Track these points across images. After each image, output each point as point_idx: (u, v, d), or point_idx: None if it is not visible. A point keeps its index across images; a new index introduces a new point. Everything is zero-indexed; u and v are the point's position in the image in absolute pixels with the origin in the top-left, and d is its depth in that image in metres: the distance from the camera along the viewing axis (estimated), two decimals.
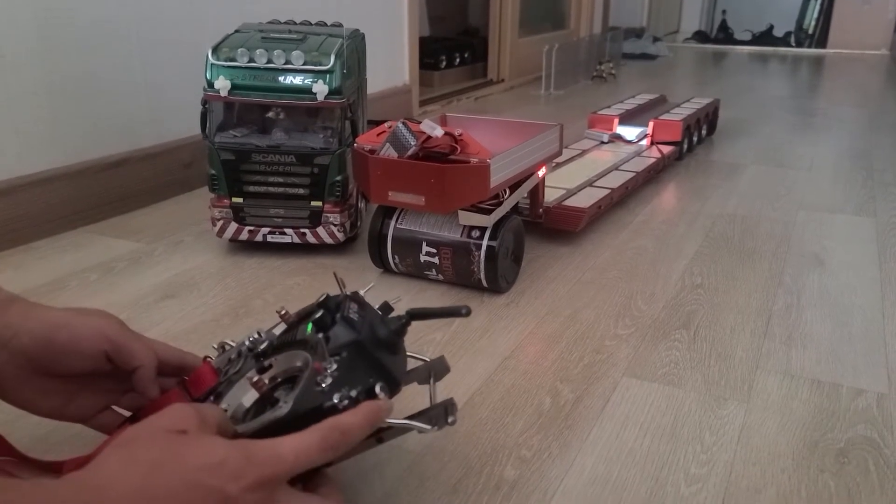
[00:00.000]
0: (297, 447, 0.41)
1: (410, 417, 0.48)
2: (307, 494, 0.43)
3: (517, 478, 0.58)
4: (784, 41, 4.29)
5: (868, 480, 0.58)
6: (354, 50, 1.02)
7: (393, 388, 0.48)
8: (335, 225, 0.99)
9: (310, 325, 0.50)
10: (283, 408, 0.44)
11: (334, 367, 0.46)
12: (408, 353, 0.54)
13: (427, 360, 0.56)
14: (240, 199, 0.98)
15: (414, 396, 0.58)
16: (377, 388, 0.46)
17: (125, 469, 0.37)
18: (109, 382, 0.54)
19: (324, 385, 0.45)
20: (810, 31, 4.28)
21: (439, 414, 0.49)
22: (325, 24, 1.09)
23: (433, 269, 0.91)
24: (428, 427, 0.48)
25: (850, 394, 0.70)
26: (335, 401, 0.44)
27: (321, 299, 0.52)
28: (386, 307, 0.53)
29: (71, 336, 0.50)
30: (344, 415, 0.44)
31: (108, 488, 0.36)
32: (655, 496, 0.56)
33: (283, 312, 0.53)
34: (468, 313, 0.51)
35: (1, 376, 0.50)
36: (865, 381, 0.73)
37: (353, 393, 0.45)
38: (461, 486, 0.57)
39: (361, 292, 0.54)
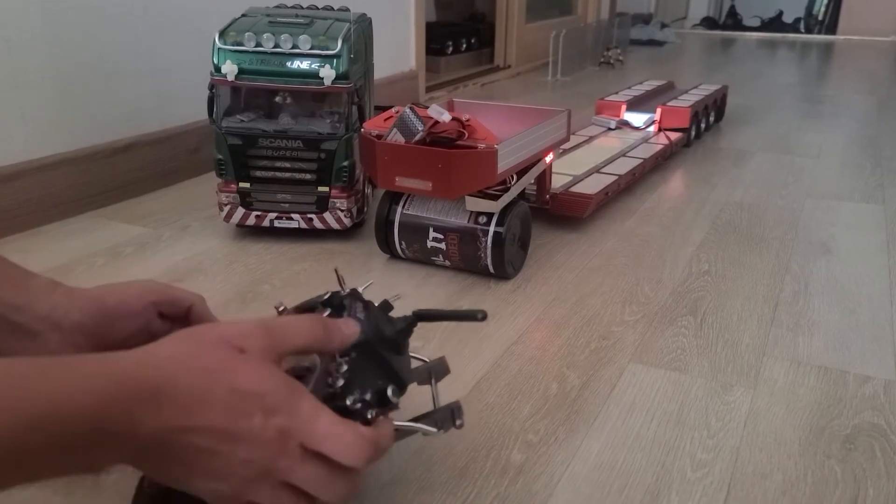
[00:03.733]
0: (331, 429, 0.41)
1: (416, 419, 0.48)
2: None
3: (524, 462, 0.58)
4: (793, 27, 4.25)
5: (874, 466, 0.58)
6: (361, 34, 1.02)
7: (401, 390, 0.48)
8: (342, 210, 0.99)
9: None
10: None
11: (345, 368, 0.45)
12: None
13: (427, 360, 0.55)
14: (247, 184, 0.98)
15: (414, 395, 0.58)
16: (389, 391, 0.46)
17: (176, 362, 0.38)
18: None
19: (335, 387, 0.45)
20: (820, 18, 4.25)
21: (445, 417, 0.48)
22: (332, 9, 1.09)
23: (440, 255, 0.91)
24: (434, 430, 0.47)
25: (857, 380, 0.70)
26: (348, 403, 0.44)
27: (326, 297, 0.51)
28: (386, 305, 0.52)
29: (119, 298, 0.52)
30: (379, 432, 0.43)
31: (154, 368, 0.37)
32: (661, 481, 0.56)
33: (280, 308, 0.52)
34: (484, 318, 0.49)
35: None
36: (872, 367, 0.73)
37: (367, 396, 0.45)
38: (468, 469, 0.57)
39: (360, 289, 0.53)
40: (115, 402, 0.35)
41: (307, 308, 0.52)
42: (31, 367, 0.34)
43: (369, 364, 0.47)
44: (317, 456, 0.41)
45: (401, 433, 0.48)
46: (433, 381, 0.54)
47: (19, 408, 0.32)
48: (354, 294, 0.51)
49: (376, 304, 0.51)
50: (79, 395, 0.34)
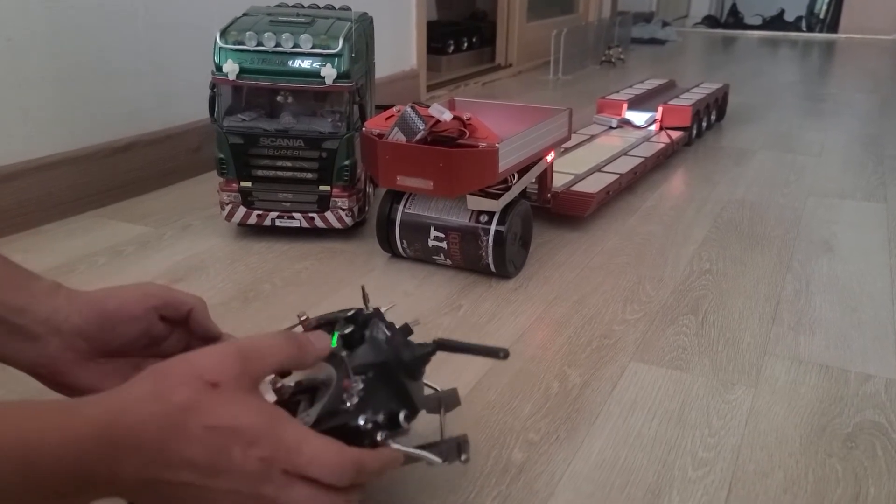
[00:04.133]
0: (317, 454, 0.41)
1: (421, 447, 0.48)
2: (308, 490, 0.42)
3: (525, 461, 0.58)
4: (795, 26, 4.24)
5: (875, 465, 0.58)
6: (363, 34, 1.02)
7: (413, 416, 0.48)
8: (343, 209, 0.99)
9: (335, 337, 0.49)
10: (306, 420, 0.44)
11: (361, 386, 0.45)
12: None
13: (438, 389, 0.55)
14: (248, 184, 0.98)
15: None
16: (401, 417, 0.46)
17: (148, 403, 0.38)
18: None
19: (349, 404, 0.44)
20: (822, 16, 4.24)
21: (452, 449, 0.48)
22: (334, 8, 1.09)
23: (441, 254, 0.91)
24: (439, 460, 0.47)
25: (858, 379, 0.70)
26: (360, 422, 0.44)
27: (350, 314, 0.51)
28: (406, 329, 0.52)
29: (119, 302, 0.51)
30: (369, 455, 0.43)
31: (129, 412, 0.37)
32: (663, 480, 0.56)
33: (303, 318, 0.52)
34: (506, 356, 0.49)
35: (58, 365, 0.50)
36: (874, 366, 0.73)
37: (380, 418, 0.45)
38: (469, 468, 0.57)
39: (383, 309, 0.52)
40: (94, 450, 0.36)
41: (330, 321, 0.52)
42: (10, 414, 0.35)
43: (384, 386, 0.47)
44: (304, 479, 0.41)
45: (405, 459, 0.47)
46: (442, 410, 0.54)
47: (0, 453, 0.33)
48: (378, 314, 0.51)
49: (397, 326, 0.51)
50: (57, 445, 0.35)
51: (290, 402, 0.48)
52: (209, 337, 0.55)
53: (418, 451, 0.47)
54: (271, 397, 0.48)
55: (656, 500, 0.54)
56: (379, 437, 0.44)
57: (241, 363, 0.41)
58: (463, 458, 0.48)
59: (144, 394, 0.39)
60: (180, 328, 0.55)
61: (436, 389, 0.55)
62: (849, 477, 0.57)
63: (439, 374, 0.61)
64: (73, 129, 1.12)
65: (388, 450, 0.45)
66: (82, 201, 1.13)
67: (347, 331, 0.49)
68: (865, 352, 0.75)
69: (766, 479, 0.57)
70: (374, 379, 0.46)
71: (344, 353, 0.48)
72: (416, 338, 0.51)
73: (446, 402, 0.55)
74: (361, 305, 0.53)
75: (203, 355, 0.41)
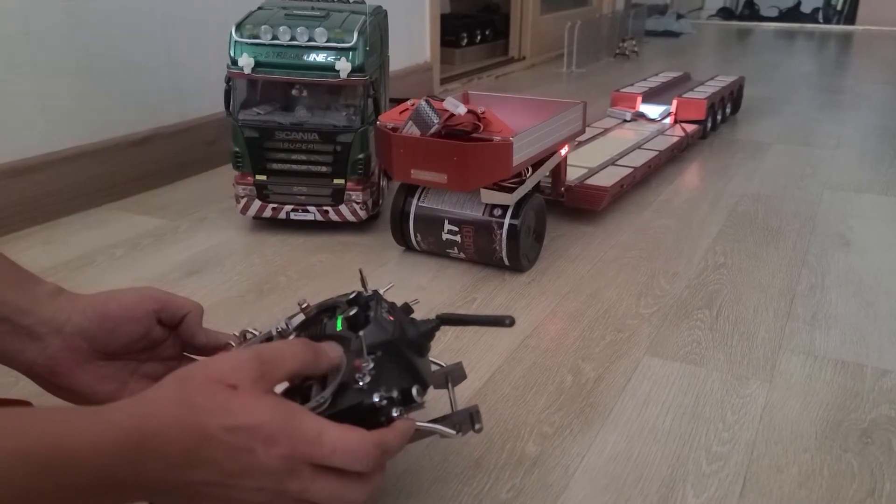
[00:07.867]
0: (338, 443, 0.41)
1: (434, 421, 0.49)
2: (337, 480, 0.43)
3: (539, 454, 0.58)
4: (811, 17, 4.20)
5: (891, 460, 0.58)
6: (377, 27, 1.02)
7: (425, 390, 0.48)
8: (357, 203, 0.99)
9: (339, 320, 0.50)
10: (322, 403, 0.44)
11: (371, 365, 0.46)
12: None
13: (443, 365, 0.56)
14: (263, 177, 0.99)
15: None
16: (414, 391, 0.46)
17: (171, 407, 0.39)
18: (160, 368, 0.55)
19: (362, 383, 0.45)
20: (839, 7, 4.19)
21: (464, 420, 0.49)
22: (348, 2, 1.09)
23: (455, 248, 0.91)
24: (452, 432, 0.48)
25: (874, 374, 0.70)
26: (375, 399, 0.44)
27: (351, 296, 0.52)
28: (407, 308, 0.52)
29: (121, 303, 0.52)
30: (386, 433, 0.44)
31: (153, 417, 0.38)
32: (677, 474, 0.56)
33: (304, 305, 0.53)
34: (511, 324, 0.50)
35: (58, 366, 0.50)
36: (891, 361, 0.72)
37: (394, 394, 0.45)
38: (483, 461, 0.57)
39: (382, 291, 0.53)
40: (119, 454, 0.36)
41: (331, 306, 0.52)
42: (38, 419, 0.36)
43: (394, 364, 0.47)
44: (328, 469, 0.42)
45: (419, 433, 0.48)
46: (450, 385, 0.54)
47: (30, 456, 0.34)
48: (377, 295, 0.52)
49: (398, 306, 0.52)
50: (84, 450, 0.36)
51: (302, 386, 0.48)
52: (195, 344, 0.55)
53: (432, 426, 0.48)
54: (282, 385, 0.48)
55: (670, 493, 0.55)
56: (394, 413, 0.45)
57: (258, 367, 0.42)
58: (477, 427, 0.49)
59: (167, 399, 0.39)
60: (176, 333, 0.56)
61: (441, 365, 0.56)
62: (864, 472, 0.57)
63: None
64: (91, 122, 1.13)
65: (401, 422, 0.45)
66: (100, 194, 1.14)
67: (351, 313, 0.49)
68: (882, 347, 0.75)
69: (781, 474, 0.57)
70: (383, 357, 0.47)
71: (353, 335, 0.48)
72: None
73: (453, 376, 0.56)
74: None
75: (222, 360, 0.42)
